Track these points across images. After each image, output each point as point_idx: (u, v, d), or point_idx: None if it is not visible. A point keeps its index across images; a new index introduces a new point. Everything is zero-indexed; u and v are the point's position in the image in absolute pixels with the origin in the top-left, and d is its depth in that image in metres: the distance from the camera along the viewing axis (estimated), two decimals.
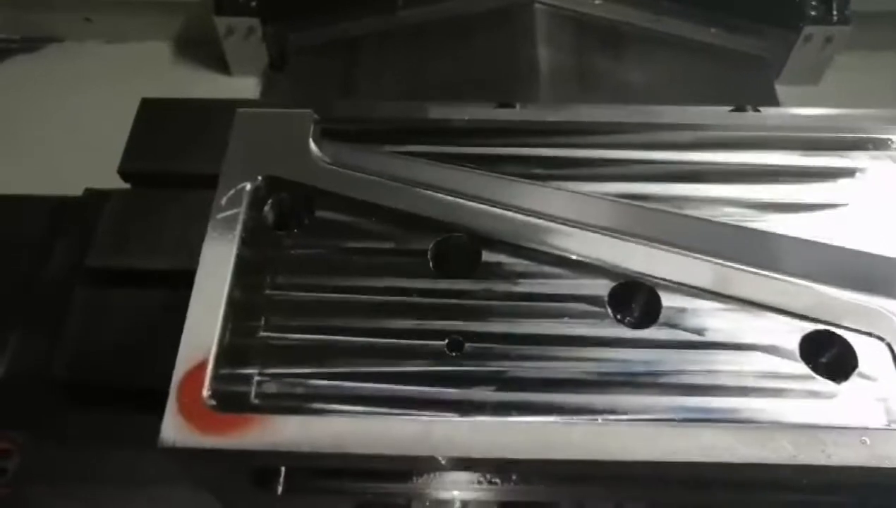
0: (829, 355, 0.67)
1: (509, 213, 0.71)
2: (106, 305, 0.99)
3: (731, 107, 0.94)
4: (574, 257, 0.69)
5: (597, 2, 1.86)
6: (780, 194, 0.80)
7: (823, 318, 0.67)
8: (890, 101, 1.91)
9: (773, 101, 1.87)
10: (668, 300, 0.69)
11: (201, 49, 1.97)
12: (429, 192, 0.72)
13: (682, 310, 0.69)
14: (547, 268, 0.71)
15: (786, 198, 0.80)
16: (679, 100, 1.77)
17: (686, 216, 0.73)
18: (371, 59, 1.88)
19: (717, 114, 0.92)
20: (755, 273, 0.68)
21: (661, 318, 0.68)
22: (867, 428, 0.62)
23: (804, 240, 0.71)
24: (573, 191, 0.74)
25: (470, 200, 0.72)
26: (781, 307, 0.68)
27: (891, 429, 0.63)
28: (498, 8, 1.86)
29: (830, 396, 0.66)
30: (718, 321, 0.69)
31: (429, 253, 0.72)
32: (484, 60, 1.82)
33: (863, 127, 0.83)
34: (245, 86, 1.96)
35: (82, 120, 1.83)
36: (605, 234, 0.70)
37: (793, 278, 0.68)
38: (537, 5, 1.83)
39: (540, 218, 0.71)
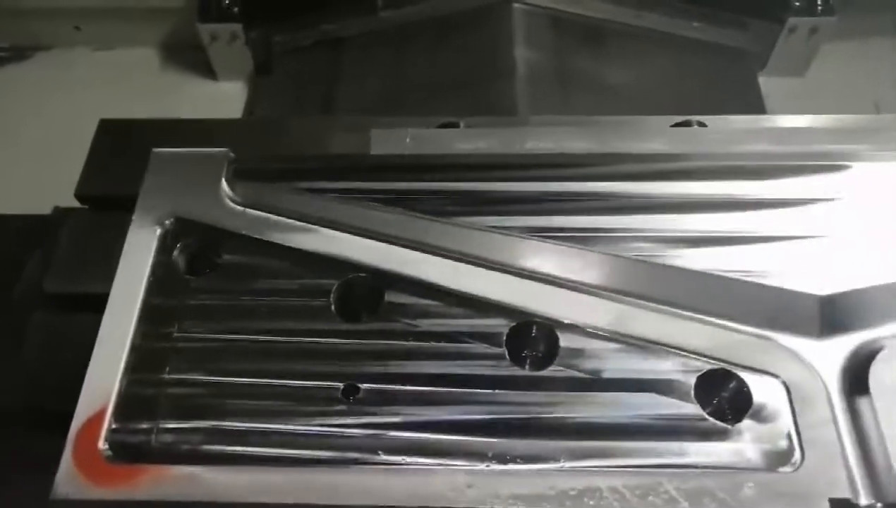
0: (723, 395, 0.68)
1: (412, 252, 0.73)
2: (62, 331, 1.02)
3: (675, 121, 0.93)
4: (474, 296, 0.70)
5: None
6: (706, 225, 0.81)
7: (719, 357, 0.68)
8: (876, 91, 1.89)
9: (756, 95, 1.86)
10: (565, 340, 0.71)
11: (188, 55, 2.00)
12: (333, 232, 0.74)
13: (580, 350, 0.70)
14: (448, 308, 0.72)
15: (714, 230, 0.80)
16: (660, 96, 1.78)
17: (590, 252, 0.74)
18: (354, 60, 1.90)
19: (657, 130, 0.91)
20: (655, 310, 0.69)
21: (559, 359, 0.70)
22: (756, 470, 0.63)
23: (707, 274, 0.72)
24: (478, 229, 0.75)
25: (373, 238, 0.74)
26: (679, 346, 0.69)
27: (779, 473, 0.64)
28: (477, 7, 1.86)
29: (723, 437, 0.67)
30: (615, 361, 0.70)
31: (331, 294, 0.73)
32: (463, 61, 1.83)
33: (816, 148, 0.82)
34: (232, 91, 1.99)
35: (72, 128, 1.85)
36: (507, 273, 0.71)
37: (694, 314, 0.69)
38: (515, 5, 1.82)
39: (442, 255, 0.73)
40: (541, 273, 0.73)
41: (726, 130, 0.94)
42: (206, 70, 1.95)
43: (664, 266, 0.75)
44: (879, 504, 0.66)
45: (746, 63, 1.88)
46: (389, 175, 0.82)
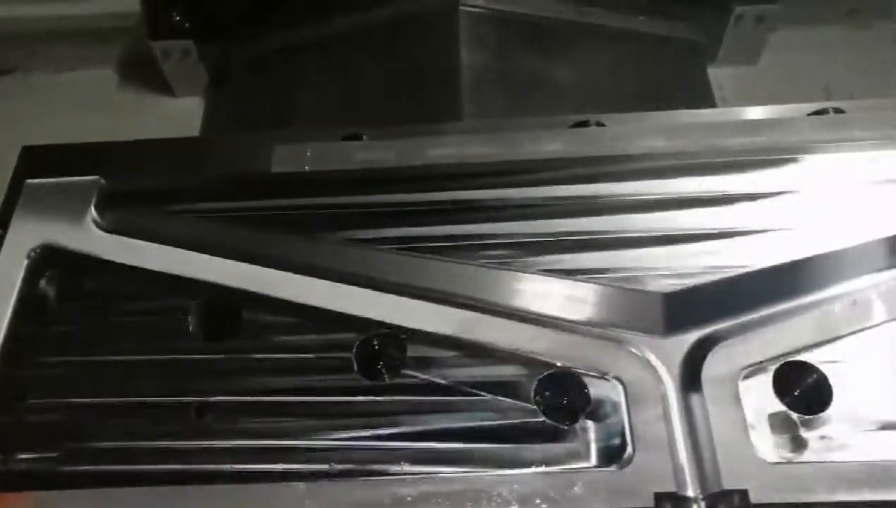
0: (562, 396, 0.70)
1: (271, 271, 0.75)
2: None
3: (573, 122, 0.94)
4: (326, 310, 0.72)
5: None
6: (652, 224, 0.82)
7: (561, 359, 0.70)
8: (827, 76, 1.89)
9: (706, 86, 1.87)
10: (413, 350, 0.72)
11: (145, 72, 2.02)
12: (193, 254, 0.76)
13: (426, 359, 0.72)
14: (303, 324, 0.74)
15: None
16: (607, 91, 1.79)
17: (438, 261, 0.75)
18: (305, 69, 1.92)
19: (557, 132, 0.92)
20: (499, 316, 0.71)
21: (406, 368, 0.71)
22: (589, 469, 0.65)
23: (551, 277, 0.73)
24: (332, 243, 0.77)
25: (234, 259, 0.76)
26: (522, 350, 0.70)
27: (608, 470, 0.66)
28: (426, 12, 1.88)
29: (561, 438, 0.69)
30: (460, 367, 0.72)
31: (190, 315, 0.75)
32: (412, 66, 1.84)
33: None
34: (191, 107, 2.01)
35: None
36: (360, 286, 0.73)
37: (539, 318, 0.71)
38: (462, 8, 1.83)
39: (294, 270, 0.75)
40: (393, 283, 0.75)
41: (668, 126, 0.93)
42: (165, 87, 1.96)
43: (510, 272, 0.77)
44: (702, 495, 0.68)
45: (696, 54, 1.88)
46: (261, 192, 0.84)
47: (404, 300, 0.75)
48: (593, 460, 0.71)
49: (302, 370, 0.75)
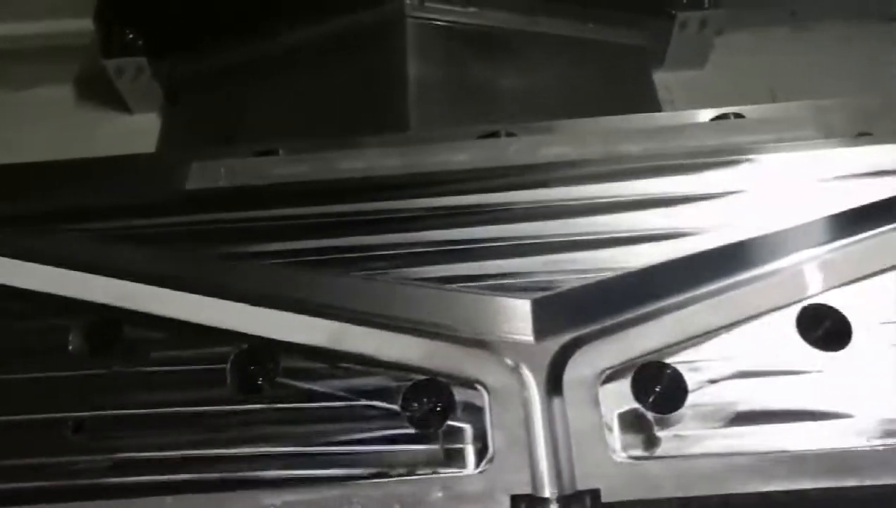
0: (429, 404, 0.72)
1: (147, 287, 0.77)
2: None
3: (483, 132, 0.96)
4: (201, 325, 0.75)
5: (470, 9, 1.88)
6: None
7: (430, 367, 0.72)
8: (773, 79, 1.92)
9: (651, 91, 1.90)
10: (286, 361, 0.75)
11: (102, 90, 2.04)
12: (72, 272, 0.78)
13: (299, 370, 0.74)
14: (180, 339, 0.76)
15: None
16: (555, 100, 1.81)
17: (308, 272, 0.77)
18: (258, 83, 1.94)
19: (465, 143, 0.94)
20: (371, 326, 0.73)
21: (280, 379, 0.74)
22: (449, 474, 0.67)
23: (423, 286, 0.76)
24: (206, 256, 0.79)
25: (114, 276, 0.78)
26: (391, 360, 0.72)
27: (467, 474, 0.68)
28: (373, 24, 1.90)
29: (425, 445, 0.71)
30: (333, 378, 0.74)
31: (70, 334, 0.77)
32: (361, 79, 1.87)
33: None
34: (147, 124, 2.03)
35: None
36: (232, 299, 0.75)
37: (412, 327, 0.73)
38: (409, 19, 1.86)
39: (172, 286, 0.77)
40: (267, 296, 0.78)
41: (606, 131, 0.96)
42: (122, 104, 1.98)
43: (383, 281, 0.79)
44: (557, 496, 0.70)
45: (643, 60, 1.91)
46: (176, 209, 0.86)
47: (278, 313, 0.78)
48: (454, 465, 0.73)
49: (178, 384, 0.77)
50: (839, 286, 0.81)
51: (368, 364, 0.78)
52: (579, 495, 0.71)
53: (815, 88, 1.87)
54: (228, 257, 0.83)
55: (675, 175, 0.89)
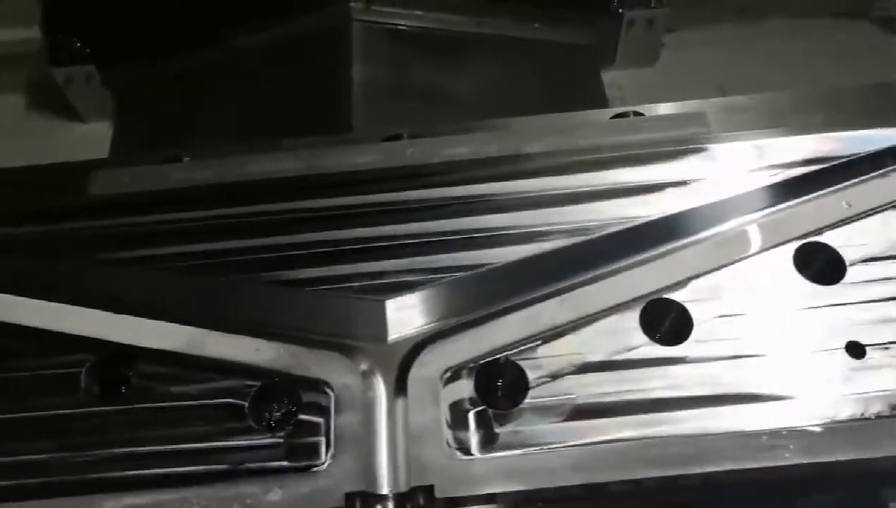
0: (276, 406, 0.73)
1: (11, 297, 0.77)
2: None
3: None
4: (56, 332, 0.74)
5: (417, 12, 1.88)
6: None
7: (279, 370, 0.72)
8: (722, 76, 1.92)
9: (599, 89, 1.89)
10: (143, 367, 0.75)
11: (54, 98, 2.03)
12: None
13: (155, 375, 0.74)
14: (41, 348, 0.76)
15: None
16: (503, 100, 1.81)
17: (170, 276, 0.77)
18: (208, 89, 1.94)
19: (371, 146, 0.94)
20: (226, 331, 0.73)
21: (133, 387, 0.74)
22: (290, 473, 0.67)
23: (283, 289, 0.76)
24: (67, 263, 0.79)
25: None
26: (245, 363, 0.72)
27: (306, 473, 0.68)
28: (320, 29, 1.90)
29: (270, 446, 0.71)
30: (187, 383, 0.74)
31: None
32: (307, 83, 1.87)
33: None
34: (100, 132, 2.03)
35: None
36: (91, 306, 0.75)
37: (267, 331, 0.73)
38: (355, 23, 1.86)
39: (31, 294, 0.77)
40: (125, 303, 0.78)
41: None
42: (74, 112, 1.98)
43: (242, 284, 0.79)
44: (392, 493, 0.70)
45: (591, 58, 1.90)
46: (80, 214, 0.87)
47: (134, 319, 0.78)
48: (297, 465, 0.73)
49: (32, 389, 0.77)
50: (681, 282, 0.81)
51: (221, 367, 0.78)
52: (414, 491, 0.72)
53: (764, 83, 1.86)
54: (117, 262, 0.83)
55: (567, 174, 0.89)
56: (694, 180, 0.89)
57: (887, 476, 0.74)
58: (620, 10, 1.84)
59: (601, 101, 1.85)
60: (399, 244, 0.86)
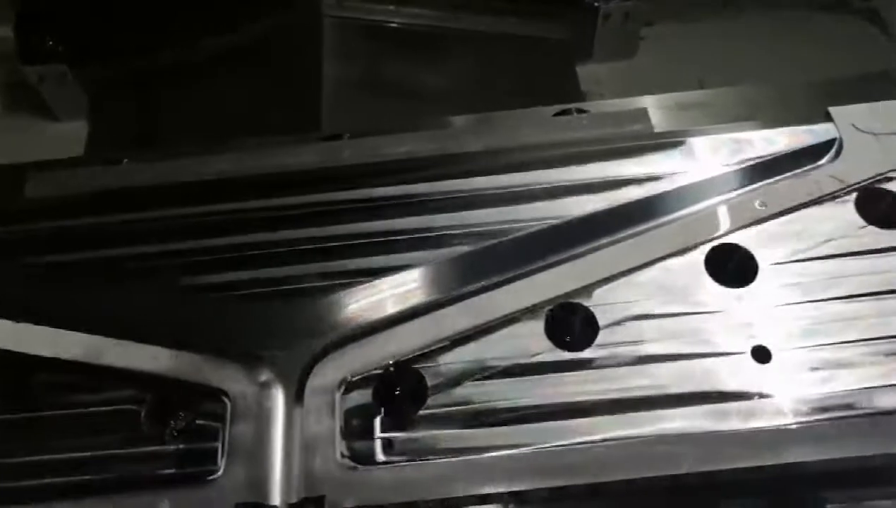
0: (172, 416, 0.71)
1: None
2: None
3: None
4: None
5: (390, 7, 1.86)
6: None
7: (177, 379, 0.71)
8: (701, 69, 1.89)
9: (574, 83, 1.87)
10: (45, 376, 0.73)
11: (28, 97, 2.02)
12: None
13: (52, 385, 0.73)
14: None
15: None
16: (477, 96, 1.79)
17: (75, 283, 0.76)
18: (180, 88, 1.92)
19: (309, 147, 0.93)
20: (127, 339, 0.71)
21: (30, 396, 0.72)
22: (181, 486, 0.66)
23: (193, 297, 0.74)
24: None
25: None
26: (144, 371, 0.71)
27: (196, 485, 0.66)
28: (292, 25, 1.88)
29: (163, 457, 0.69)
30: (84, 392, 0.73)
31: None
32: (277, 80, 1.85)
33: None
34: (75, 130, 2.01)
35: None
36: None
37: (168, 339, 0.71)
38: (327, 19, 1.84)
39: None
40: (26, 310, 0.76)
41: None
42: (46, 111, 1.97)
43: (137, 290, 0.77)
44: (282, 503, 0.68)
45: (568, 53, 1.88)
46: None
47: (33, 327, 0.76)
48: (189, 475, 0.72)
49: None
50: (589, 286, 0.79)
51: (120, 376, 0.76)
52: (304, 503, 0.70)
53: (744, 76, 1.83)
54: (33, 267, 0.82)
55: (502, 173, 0.87)
56: (623, 180, 0.86)
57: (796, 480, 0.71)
58: (596, 4, 1.80)
59: (576, 95, 1.82)
60: (315, 248, 0.84)
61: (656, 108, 0.97)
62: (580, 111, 0.95)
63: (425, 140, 0.91)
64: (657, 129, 0.92)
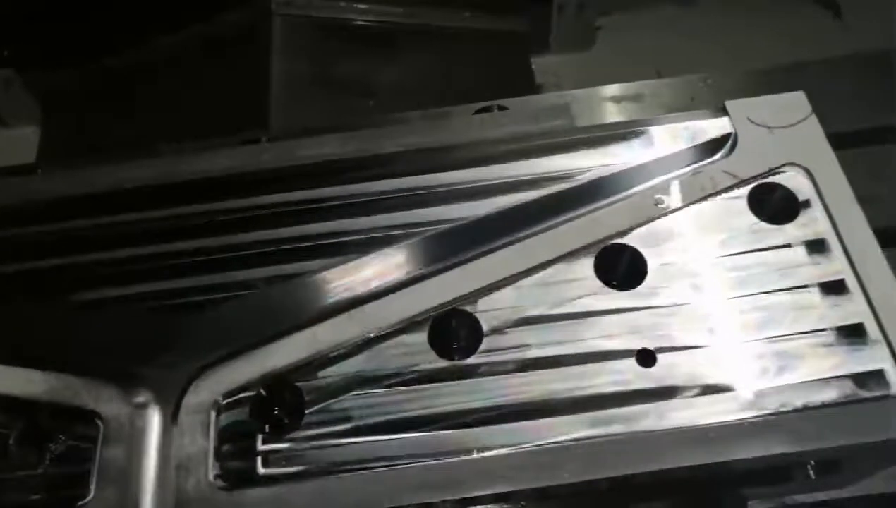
0: (40, 439, 0.68)
1: None
2: None
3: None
4: None
5: (341, 3, 1.83)
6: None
7: (48, 402, 0.69)
8: (658, 59, 1.87)
9: (528, 76, 1.84)
10: None
11: None
12: None
13: None
14: None
15: None
16: (431, 91, 1.76)
17: None
18: (131, 92, 1.89)
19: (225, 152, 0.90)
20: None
21: None
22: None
23: (70, 314, 0.72)
24: None
25: None
26: (14, 395, 0.69)
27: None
28: (242, 23, 1.85)
29: (35, 487, 0.67)
30: None
31: None
32: (230, 80, 1.81)
33: None
34: (25, 136, 1.98)
35: None
36: None
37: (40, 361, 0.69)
38: (277, 17, 1.80)
39: None
40: None
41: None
42: None
43: (17, 309, 0.75)
44: None
45: (523, 46, 1.85)
46: None
47: None
48: (58, 501, 0.69)
49: None
50: (476, 293, 0.76)
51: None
52: None
53: (700, 65, 1.81)
54: None
55: (417, 174, 0.84)
56: (532, 178, 0.83)
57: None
58: None
59: (531, 87, 1.80)
60: (200, 261, 0.81)
61: (589, 101, 0.94)
62: (501, 108, 0.92)
63: (342, 142, 0.88)
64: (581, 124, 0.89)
